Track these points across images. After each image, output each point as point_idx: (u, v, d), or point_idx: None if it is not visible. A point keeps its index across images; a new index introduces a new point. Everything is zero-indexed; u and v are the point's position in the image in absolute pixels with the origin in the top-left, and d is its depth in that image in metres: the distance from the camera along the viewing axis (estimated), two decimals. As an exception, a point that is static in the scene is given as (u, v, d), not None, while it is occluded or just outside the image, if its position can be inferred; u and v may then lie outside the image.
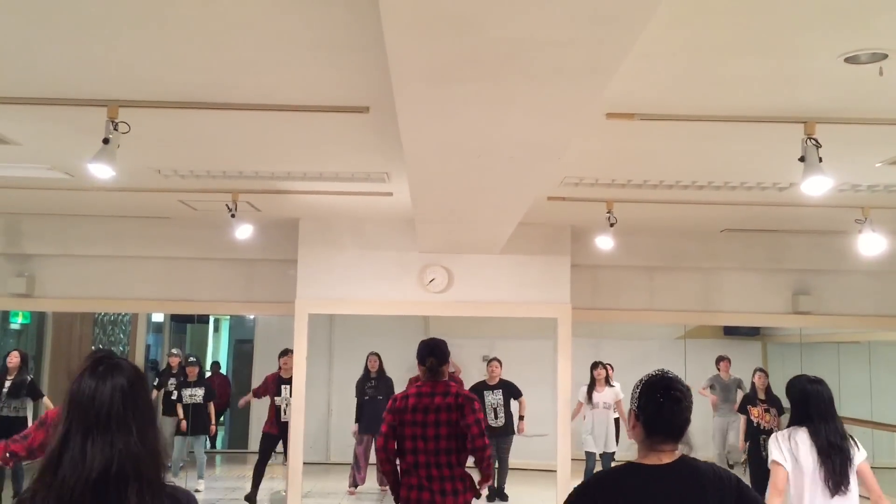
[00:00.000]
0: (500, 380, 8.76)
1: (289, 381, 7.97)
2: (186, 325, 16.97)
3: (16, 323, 12.32)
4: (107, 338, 12.53)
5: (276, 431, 8.20)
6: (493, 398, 8.65)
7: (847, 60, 3.12)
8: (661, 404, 2.42)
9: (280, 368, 8.33)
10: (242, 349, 15.06)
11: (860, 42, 2.97)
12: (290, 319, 7.13)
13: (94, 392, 1.88)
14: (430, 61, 2.57)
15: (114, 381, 1.91)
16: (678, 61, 3.20)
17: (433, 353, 4.55)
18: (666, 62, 3.21)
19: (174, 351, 10.86)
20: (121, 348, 12.52)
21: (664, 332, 12.22)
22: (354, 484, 9.28)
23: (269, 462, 8.47)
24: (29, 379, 7.89)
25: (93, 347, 12.30)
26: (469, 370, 12.20)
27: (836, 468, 3.68)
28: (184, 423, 9.02)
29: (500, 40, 2.39)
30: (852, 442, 3.84)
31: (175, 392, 9.14)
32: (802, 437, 3.74)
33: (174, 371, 9.71)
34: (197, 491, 8.87)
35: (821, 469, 3.68)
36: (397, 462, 4.44)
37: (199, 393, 9.09)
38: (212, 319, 17.29)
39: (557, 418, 7.21)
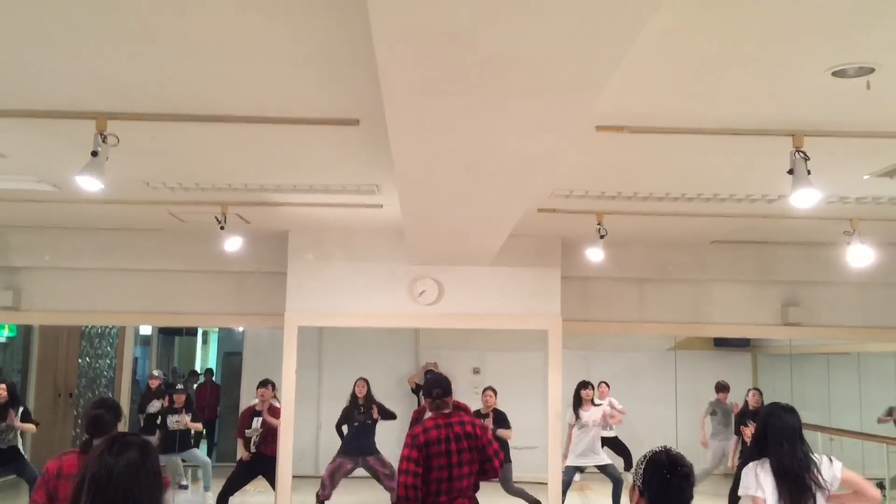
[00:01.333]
0: (493, 409, 8.84)
1: (260, 414, 8.03)
2: (174, 338, 16.90)
3: (2, 336, 12.22)
4: (94, 350, 12.44)
5: (249, 459, 8.19)
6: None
7: (835, 74, 3.14)
8: (667, 481, 2.44)
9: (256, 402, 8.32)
10: (231, 361, 14.97)
11: (848, 56, 2.99)
12: (280, 332, 7.09)
13: (111, 472, 2.23)
14: (420, 74, 2.57)
15: (128, 458, 2.27)
16: (667, 75, 3.21)
17: (439, 384, 4.62)
18: (655, 75, 3.22)
19: (155, 373, 10.82)
20: (108, 361, 12.43)
21: (654, 344, 12.24)
22: (319, 499, 9.29)
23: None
24: (20, 410, 7.88)
25: (79, 361, 12.22)
26: (459, 383, 12.15)
27: (791, 497, 3.61)
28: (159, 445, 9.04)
29: (491, 54, 2.39)
30: (823, 462, 3.75)
31: (159, 417, 9.13)
32: (766, 466, 3.69)
33: (154, 392, 9.70)
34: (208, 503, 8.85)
35: (779, 497, 3.62)
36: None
37: (185, 419, 9.09)
38: (200, 332, 17.23)
39: (548, 430, 7.19)
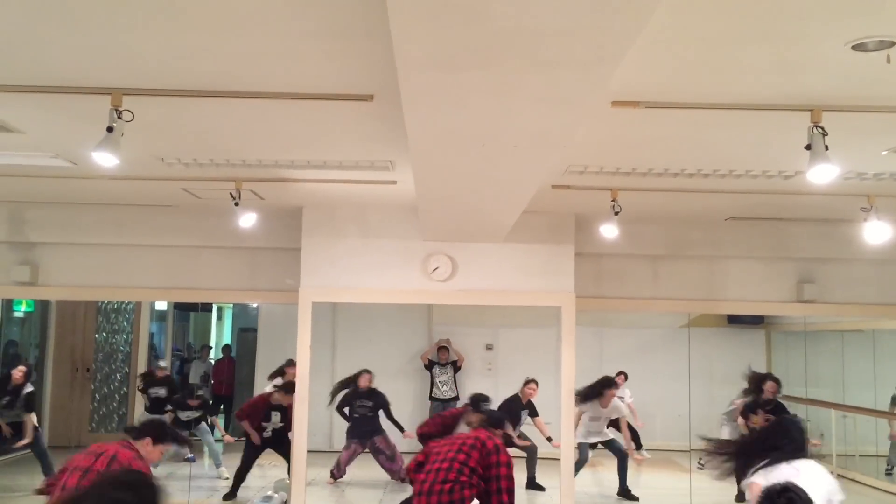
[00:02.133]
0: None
1: (279, 408, 8.37)
2: (190, 314, 16.99)
3: (20, 311, 12.36)
4: (110, 326, 12.56)
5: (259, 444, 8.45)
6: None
7: (854, 48, 3.10)
8: None
9: (273, 390, 8.61)
10: (246, 337, 15.10)
11: (867, 29, 2.95)
12: (294, 308, 7.13)
13: None
14: (435, 49, 2.56)
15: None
16: (684, 49, 3.18)
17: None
18: (672, 50, 3.19)
19: (162, 364, 10.95)
20: (124, 336, 12.55)
21: (668, 321, 12.21)
22: (333, 476, 9.49)
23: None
24: (27, 391, 8.07)
25: (96, 336, 12.35)
26: (472, 359, 12.23)
27: None
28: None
29: (506, 28, 2.38)
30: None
31: (172, 411, 9.38)
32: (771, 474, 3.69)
33: (160, 380, 9.87)
34: (223, 478, 8.99)
35: None
36: None
37: (196, 415, 9.41)
38: (215, 308, 17.32)
39: (561, 407, 7.21)
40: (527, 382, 9.27)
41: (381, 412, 9.39)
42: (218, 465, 9.45)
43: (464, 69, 2.72)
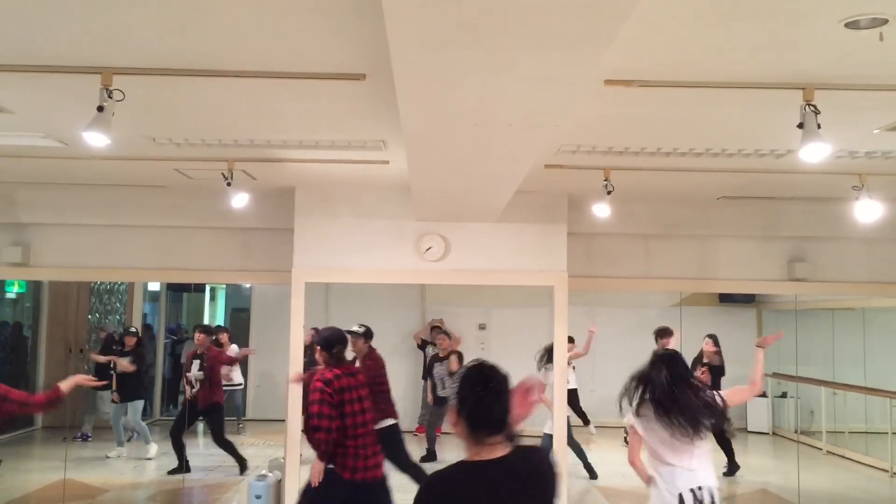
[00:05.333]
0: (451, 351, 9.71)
1: (202, 358, 8.99)
2: (183, 294, 16.99)
3: (11, 292, 12.33)
4: (103, 307, 12.55)
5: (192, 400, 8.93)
6: (442, 369, 9.78)
7: (847, 25, 3.09)
8: (481, 398, 2.40)
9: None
10: (239, 318, 15.11)
11: (860, 7, 2.95)
12: (287, 288, 7.13)
13: None
14: (428, 27, 2.55)
15: None
16: (677, 27, 3.17)
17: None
18: (665, 28, 3.18)
19: (133, 329, 10.99)
20: (117, 317, 12.54)
21: (660, 300, 12.27)
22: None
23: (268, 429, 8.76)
24: None
25: (89, 317, 12.34)
26: (466, 339, 12.27)
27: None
28: (115, 395, 9.58)
29: (499, 6, 2.37)
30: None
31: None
32: None
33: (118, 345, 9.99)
34: (148, 459, 9.32)
35: None
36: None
37: (128, 367, 9.58)
38: (208, 288, 17.31)
39: (553, 386, 7.25)
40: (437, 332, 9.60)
41: None
42: (147, 442, 9.60)
43: (457, 48, 2.71)
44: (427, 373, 10.54)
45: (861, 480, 9.76)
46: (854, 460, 10.61)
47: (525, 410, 2.51)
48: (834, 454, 10.89)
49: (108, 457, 9.54)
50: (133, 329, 10.11)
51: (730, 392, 4.67)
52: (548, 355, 8.56)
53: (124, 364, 9.47)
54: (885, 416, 10.15)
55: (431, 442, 9.99)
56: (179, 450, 8.76)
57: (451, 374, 9.44)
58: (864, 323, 11.22)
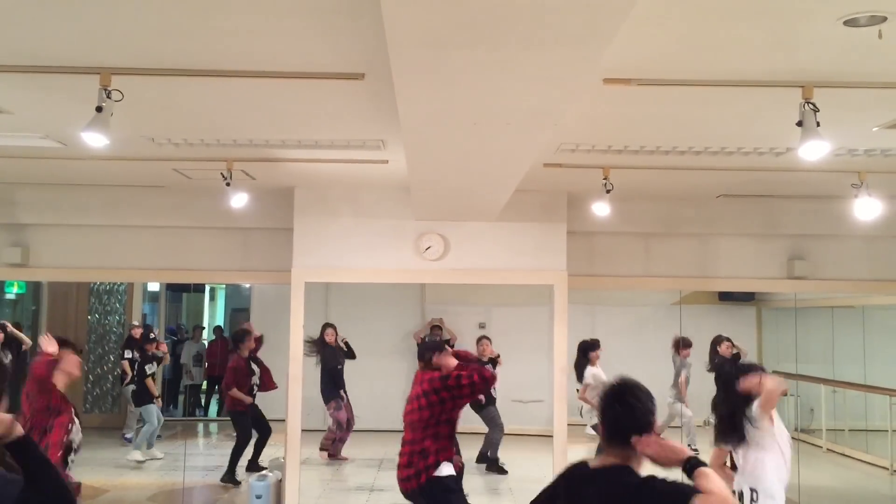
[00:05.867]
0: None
1: (253, 360, 8.92)
2: (182, 295, 16.98)
3: (11, 293, 12.32)
4: (103, 307, 12.55)
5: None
6: None
7: (846, 23, 3.09)
8: (614, 409, 2.59)
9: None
10: (239, 318, 15.08)
11: (859, 4, 2.95)
12: (287, 288, 7.13)
13: None
14: (426, 27, 2.54)
15: None
16: (676, 25, 3.17)
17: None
18: (664, 26, 3.18)
19: (135, 323, 10.96)
20: (117, 317, 12.55)
21: (659, 299, 12.24)
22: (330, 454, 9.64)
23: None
24: None
25: (88, 317, 12.34)
26: (465, 338, 12.26)
27: None
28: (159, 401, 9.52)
29: (498, 5, 2.37)
30: None
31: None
32: None
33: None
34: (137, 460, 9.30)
35: None
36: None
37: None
38: (208, 288, 17.30)
39: (553, 385, 7.25)
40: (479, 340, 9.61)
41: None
42: (149, 447, 9.59)
43: (455, 47, 2.71)
44: None
45: (861, 478, 9.76)
46: (854, 458, 10.61)
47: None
48: (834, 452, 10.89)
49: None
50: (152, 336, 10.08)
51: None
52: (580, 354, 8.63)
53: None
54: (884, 414, 10.14)
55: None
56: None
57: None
58: (864, 321, 11.21)
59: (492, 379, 5.51)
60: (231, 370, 8.83)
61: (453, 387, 5.09)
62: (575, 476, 2.67)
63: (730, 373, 4.52)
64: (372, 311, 11.66)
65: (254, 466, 8.61)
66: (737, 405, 4.31)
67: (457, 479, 5.40)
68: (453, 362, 5.21)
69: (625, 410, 2.57)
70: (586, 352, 8.68)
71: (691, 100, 4.24)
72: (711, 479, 2.33)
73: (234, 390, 8.65)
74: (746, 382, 4.25)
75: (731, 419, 4.27)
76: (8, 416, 2.41)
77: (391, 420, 9.28)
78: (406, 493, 5.25)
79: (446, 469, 5.15)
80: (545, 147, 5.09)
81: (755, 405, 4.23)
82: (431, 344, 5.96)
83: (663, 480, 2.45)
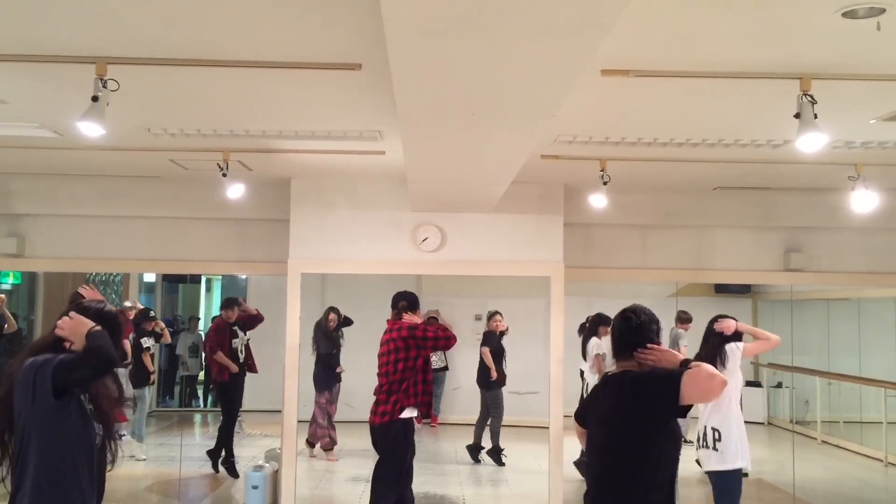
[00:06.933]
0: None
1: (238, 325, 8.91)
2: (178, 286, 16.97)
3: (6, 283, 12.30)
4: (99, 298, 12.50)
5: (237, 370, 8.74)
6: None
7: (844, 15, 3.09)
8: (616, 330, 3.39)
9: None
10: (235, 309, 15.04)
11: (858, -4, 2.94)
12: (283, 279, 7.12)
13: None
14: (424, 17, 2.53)
15: None
16: (674, 16, 3.17)
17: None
18: (662, 17, 3.17)
19: (127, 304, 10.86)
20: (113, 308, 12.51)
21: (656, 290, 12.26)
22: (325, 449, 9.57)
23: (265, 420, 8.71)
24: None
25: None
26: (461, 329, 12.26)
27: None
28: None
29: (496, -6, 2.36)
30: None
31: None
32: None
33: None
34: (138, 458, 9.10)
35: None
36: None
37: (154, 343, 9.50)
38: (204, 279, 17.30)
39: (550, 376, 7.26)
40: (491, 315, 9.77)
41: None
42: (141, 439, 9.45)
43: (453, 37, 2.70)
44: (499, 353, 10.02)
45: (856, 470, 9.80)
46: (849, 450, 10.66)
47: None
48: (829, 444, 10.94)
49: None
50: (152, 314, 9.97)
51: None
52: (591, 327, 8.97)
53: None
54: (879, 406, 10.19)
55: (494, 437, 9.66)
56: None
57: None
58: (860, 313, 11.25)
59: (452, 339, 6.16)
60: (212, 331, 8.88)
61: (419, 337, 5.97)
62: (598, 385, 3.51)
63: (711, 324, 5.53)
64: (368, 302, 11.61)
65: (222, 459, 8.59)
66: (714, 347, 5.34)
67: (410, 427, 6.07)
68: (418, 321, 6.12)
69: (629, 326, 3.31)
70: (597, 325, 8.78)
71: (689, 91, 4.23)
72: (701, 365, 3.07)
73: (220, 354, 8.60)
74: (722, 324, 5.44)
75: (711, 361, 4.90)
76: None
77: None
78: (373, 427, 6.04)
79: (408, 413, 5.96)
80: (542, 138, 5.09)
81: (731, 346, 5.34)
82: (405, 294, 6.30)
83: (660, 368, 3.19)
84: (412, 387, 5.95)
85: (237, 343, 8.79)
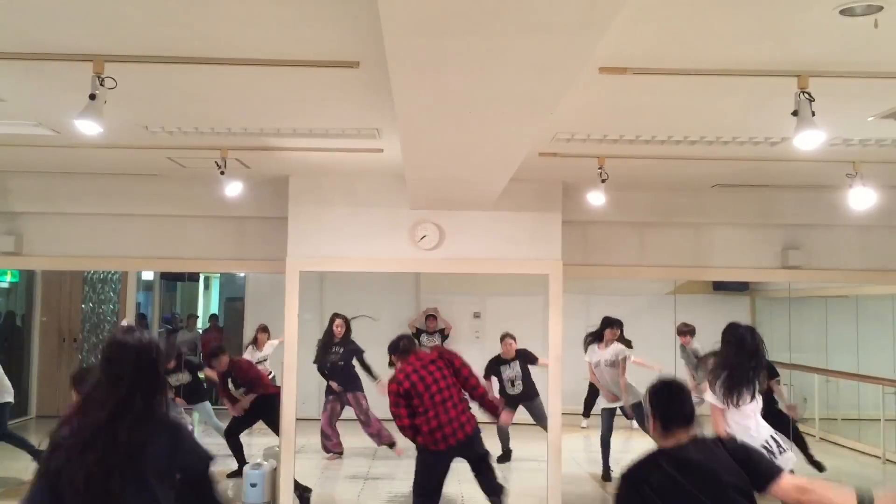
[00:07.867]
0: (517, 351, 9.35)
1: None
2: (177, 283, 16.98)
3: (4, 281, 12.29)
4: (97, 296, 12.52)
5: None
6: (511, 371, 9.30)
7: (842, 12, 3.09)
8: (670, 401, 3.18)
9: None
10: (233, 307, 15.08)
11: (856, -7, 2.94)
12: (281, 277, 7.12)
13: None
14: (422, 14, 2.53)
15: None
16: (672, 14, 3.16)
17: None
18: (660, 15, 3.17)
19: (124, 324, 10.82)
20: (111, 306, 12.53)
21: (654, 288, 12.29)
22: (328, 450, 9.47)
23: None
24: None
25: (83, 306, 12.31)
26: (459, 327, 12.29)
27: None
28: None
29: (494, -8, 2.35)
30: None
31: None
32: None
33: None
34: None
35: None
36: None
37: (184, 377, 9.30)
38: (202, 277, 17.30)
39: (549, 375, 7.27)
40: (503, 338, 9.44)
41: (354, 361, 9.35)
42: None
43: (451, 34, 2.70)
44: (492, 373, 9.58)
45: (854, 467, 9.81)
46: (847, 447, 10.68)
47: None
48: (827, 441, 10.95)
49: None
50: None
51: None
52: (592, 337, 8.85)
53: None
54: (877, 403, 10.20)
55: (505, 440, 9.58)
56: (238, 450, 8.47)
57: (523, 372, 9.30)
58: (858, 310, 11.26)
59: (480, 387, 6.45)
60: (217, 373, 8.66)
61: (457, 366, 6.28)
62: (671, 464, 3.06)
63: (727, 331, 5.18)
64: (367, 300, 11.66)
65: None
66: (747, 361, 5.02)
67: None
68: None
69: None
70: (604, 328, 8.85)
71: (687, 89, 4.23)
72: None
73: (207, 370, 8.68)
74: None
75: (744, 373, 4.92)
76: None
77: (385, 409, 9.31)
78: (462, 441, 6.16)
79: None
80: (540, 136, 5.09)
81: None
82: (401, 344, 6.42)
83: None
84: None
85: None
